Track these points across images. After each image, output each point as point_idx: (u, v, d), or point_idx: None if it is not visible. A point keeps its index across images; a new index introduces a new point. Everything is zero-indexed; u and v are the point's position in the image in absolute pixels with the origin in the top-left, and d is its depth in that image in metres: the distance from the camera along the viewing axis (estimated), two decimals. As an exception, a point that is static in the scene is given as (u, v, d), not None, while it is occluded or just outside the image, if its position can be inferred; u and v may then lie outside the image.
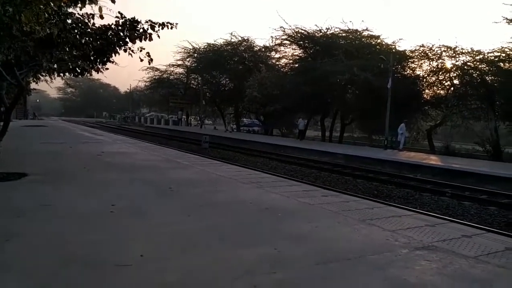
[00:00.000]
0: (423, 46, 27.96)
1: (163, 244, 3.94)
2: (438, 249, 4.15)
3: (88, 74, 9.86)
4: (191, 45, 45.37)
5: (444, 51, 26.86)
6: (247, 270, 3.34)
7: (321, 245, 4.15)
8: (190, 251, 3.79)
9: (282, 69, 37.48)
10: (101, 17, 7.35)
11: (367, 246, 4.16)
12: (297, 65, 34.99)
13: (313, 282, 3.18)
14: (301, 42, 34.11)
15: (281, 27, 33.81)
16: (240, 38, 41.50)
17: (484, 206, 10.32)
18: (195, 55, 45.33)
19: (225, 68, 42.96)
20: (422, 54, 28.29)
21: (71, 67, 8.81)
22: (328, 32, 32.05)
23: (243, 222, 4.98)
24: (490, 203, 10.63)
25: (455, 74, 27.33)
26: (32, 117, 43.96)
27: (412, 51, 29.00)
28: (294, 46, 35.27)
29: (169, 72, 50.10)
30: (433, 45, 27.49)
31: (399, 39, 32.75)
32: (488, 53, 24.70)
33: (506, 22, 22.03)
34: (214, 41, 48.16)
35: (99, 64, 9.27)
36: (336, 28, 32.01)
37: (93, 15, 8.34)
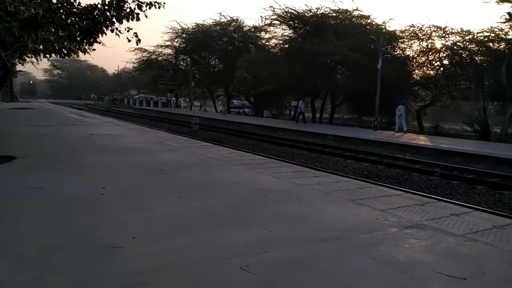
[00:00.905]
0: (413, 26, 28.05)
1: (155, 226, 3.94)
2: (427, 227, 4.21)
3: (75, 55, 9.71)
4: (180, 25, 44.94)
5: (434, 31, 26.95)
6: (239, 250, 3.36)
7: (312, 225, 4.19)
8: (182, 232, 3.80)
9: (272, 50, 37.22)
10: (87, -4, 7.20)
11: (357, 226, 4.20)
12: (287, 46, 34.76)
13: (304, 261, 3.21)
14: (291, 22, 33.81)
15: (270, 6, 33.62)
16: (229, 18, 41.09)
17: (472, 186, 10.47)
18: (184, 35, 44.79)
19: (214, 48, 42.60)
20: (412, 34, 28.32)
21: (57, 48, 8.67)
22: (318, 12, 31.81)
23: (235, 203, 4.99)
24: (478, 182, 10.78)
25: (444, 54, 27.45)
26: (14, 99, 42.36)
27: (402, 31, 29.02)
28: (284, 26, 34.99)
29: (157, 53, 49.49)
30: (423, 25, 27.64)
31: (389, 19, 32.81)
32: (477, 33, 24.82)
33: (496, 1, 22.05)
34: (203, 21, 47.68)
35: (86, 45, 9.13)
36: (326, 8, 32.00)
37: (79, -6, 8.17)
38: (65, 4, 8.23)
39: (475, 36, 24.83)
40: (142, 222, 4.05)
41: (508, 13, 21.51)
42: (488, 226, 4.38)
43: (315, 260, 3.26)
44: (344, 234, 3.90)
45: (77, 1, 8.34)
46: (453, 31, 26.07)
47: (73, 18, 8.40)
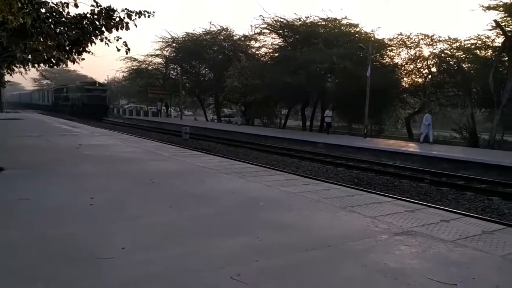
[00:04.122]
0: (401, 34, 28.28)
1: (145, 236, 3.91)
2: (417, 234, 4.23)
3: (64, 65, 9.65)
4: (170, 34, 44.84)
5: (422, 39, 27.20)
6: (230, 259, 3.34)
7: (303, 233, 4.18)
8: (173, 242, 3.77)
9: (262, 59, 37.35)
10: (76, 5, 7.19)
11: (348, 233, 4.21)
12: (277, 54, 34.90)
13: (295, 269, 3.20)
14: (280, 31, 33.98)
15: (260, 15, 33.76)
16: (219, 27, 41.16)
17: (462, 192, 10.55)
18: (174, 44, 44.77)
19: (204, 58, 42.63)
20: (400, 42, 28.58)
21: (46, 57, 8.59)
22: (307, 21, 32.01)
23: (225, 212, 4.97)
24: (467, 188, 10.87)
25: (432, 62, 27.73)
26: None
27: (390, 40, 29.29)
28: (273, 35, 35.15)
29: (147, 62, 49.36)
30: (411, 33, 27.87)
31: (378, 28, 33.12)
32: (464, 40, 25.10)
33: (483, 9, 22.37)
34: (193, 30, 47.73)
35: (75, 55, 9.07)
36: (315, 16, 32.03)
37: (67, 4, 8.13)
38: (54, 14, 8.18)
39: (462, 44, 25.15)
40: (132, 232, 4.01)
41: (495, 21, 21.84)
42: (478, 231, 4.42)
43: (306, 268, 3.25)
44: (335, 242, 3.90)
45: (66, 11, 8.30)
46: (440, 39, 26.39)
47: (62, 28, 8.34)
